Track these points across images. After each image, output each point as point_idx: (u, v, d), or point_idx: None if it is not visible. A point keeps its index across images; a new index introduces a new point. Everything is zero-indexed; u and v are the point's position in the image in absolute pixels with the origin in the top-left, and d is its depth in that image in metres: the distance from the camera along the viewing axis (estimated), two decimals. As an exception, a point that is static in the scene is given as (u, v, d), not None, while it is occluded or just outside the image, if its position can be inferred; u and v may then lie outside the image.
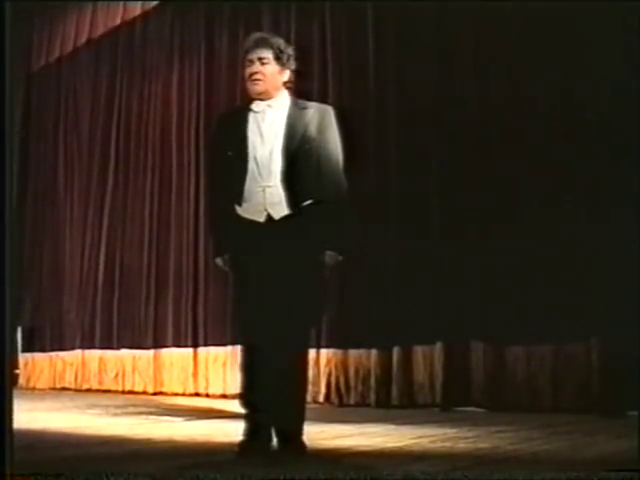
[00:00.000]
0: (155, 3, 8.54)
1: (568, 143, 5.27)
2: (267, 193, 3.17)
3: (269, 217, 3.17)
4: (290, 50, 3.34)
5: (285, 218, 3.17)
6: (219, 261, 3.36)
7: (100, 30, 9.14)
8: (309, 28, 6.87)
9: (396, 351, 5.89)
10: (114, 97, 8.90)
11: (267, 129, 3.24)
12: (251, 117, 3.28)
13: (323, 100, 5.91)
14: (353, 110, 6.37)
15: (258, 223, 3.18)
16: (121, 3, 8.89)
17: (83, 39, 9.36)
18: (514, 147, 5.51)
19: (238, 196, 3.20)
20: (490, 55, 5.76)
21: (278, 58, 3.27)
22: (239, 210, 3.21)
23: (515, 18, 5.58)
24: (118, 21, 8.92)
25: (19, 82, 9.76)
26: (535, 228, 5.33)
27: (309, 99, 3.50)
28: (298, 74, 3.40)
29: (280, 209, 3.17)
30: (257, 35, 3.36)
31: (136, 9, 8.73)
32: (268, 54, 3.26)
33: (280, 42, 3.33)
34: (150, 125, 8.45)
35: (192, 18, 8.13)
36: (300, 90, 3.48)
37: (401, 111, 6.17)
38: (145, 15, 8.64)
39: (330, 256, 3.22)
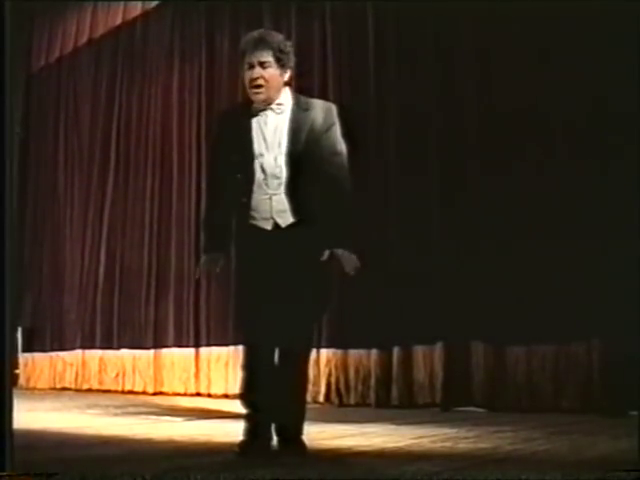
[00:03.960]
0: (155, 3, 8.54)
1: (571, 143, 5.26)
2: (274, 201, 3.13)
3: (276, 225, 3.14)
4: (289, 47, 3.23)
5: (292, 225, 3.14)
6: (204, 259, 3.38)
7: (100, 30, 9.14)
8: (309, 28, 6.87)
9: (396, 351, 5.89)
10: (114, 97, 8.89)
11: (270, 135, 3.18)
12: (254, 120, 3.20)
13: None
14: (353, 109, 6.38)
15: (265, 230, 3.14)
16: (121, 3, 8.89)
17: (83, 39, 9.36)
18: (515, 146, 5.51)
19: (246, 204, 3.15)
20: (490, 54, 5.76)
21: (279, 60, 3.16)
22: (247, 217, 3.17)
23: (516, 18, 5.57)
24: (118, 21, 8.92)
25: (19, 82, 9.75)
26: (536, 228, 5.34)
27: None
28: (298, 70, 3.35)
29: (287, 217, 3.13)
30: (255, 35, 3.22)
31: (136, 9, 8.73)
32: (269, 57, 3.14)
33: (279, 40, 3.21)
34: (151, 125, 8.44)
35: (193, 18, 8.13)
36: (301, 89, 3.46)
37: (401, 111, 6.17)
38: (145, 15, 8.64)
39: (348, 258, 3.17)
